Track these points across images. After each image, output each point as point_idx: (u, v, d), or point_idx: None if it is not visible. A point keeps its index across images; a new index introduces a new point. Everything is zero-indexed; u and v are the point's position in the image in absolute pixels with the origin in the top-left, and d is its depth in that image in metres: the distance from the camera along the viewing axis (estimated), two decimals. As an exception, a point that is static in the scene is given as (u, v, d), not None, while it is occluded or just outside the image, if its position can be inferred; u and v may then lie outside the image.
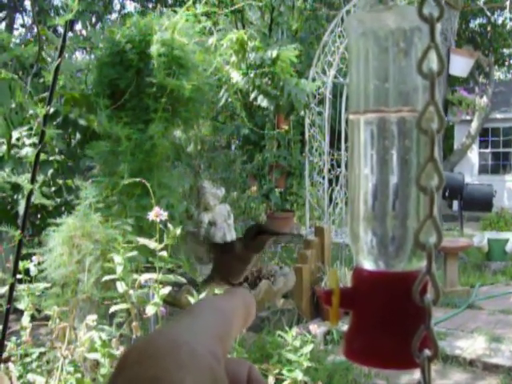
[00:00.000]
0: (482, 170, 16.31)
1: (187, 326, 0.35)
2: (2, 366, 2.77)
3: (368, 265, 0.45)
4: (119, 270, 2.75)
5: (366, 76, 0.44)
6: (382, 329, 0.43)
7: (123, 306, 2.79)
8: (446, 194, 11.00)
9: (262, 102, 5.21)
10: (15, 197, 4.25)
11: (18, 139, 4.33)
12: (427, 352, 0.40)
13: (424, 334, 0.40)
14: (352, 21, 0.45)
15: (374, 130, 0.44)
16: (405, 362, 0.42)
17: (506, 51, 20.66)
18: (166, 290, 2.72)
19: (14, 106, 4.16)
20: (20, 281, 2.93)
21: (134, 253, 2.90)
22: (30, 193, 2.08)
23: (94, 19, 14.32)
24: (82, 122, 4.44)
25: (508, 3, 11.72)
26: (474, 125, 14.65)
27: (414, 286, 0.40)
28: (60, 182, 4.51)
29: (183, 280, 2.94)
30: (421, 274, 0.40)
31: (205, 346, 0.33)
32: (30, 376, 2.82)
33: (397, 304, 0.43)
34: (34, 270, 3.14)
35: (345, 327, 0.46)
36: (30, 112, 4.32)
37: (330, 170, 6.39)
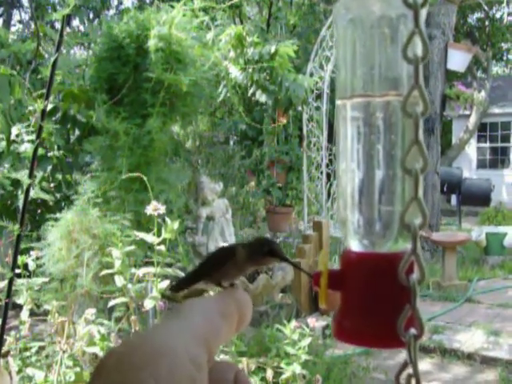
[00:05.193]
0: (481, 164, 16.33)
1: (172, 330, 0.34)
2: (2, 360, 2.77)
3: (356, 246, 0.46)
4: (117, 264, 2.76)
5: (353, 62, 0.45)
6: (370, 309, 0.44)
7: (122, 300, 2.80)
8: (445, 188, 11.02)
9: (261, 97, 5.21)
10: (15, 192, 4.26)
11: (17, 135, 4.33)
12: (413, 331, 0.41)
13: (410, 314, 0.41)
14: (339, 8, 0.46)
15: (360, 113, 0.45)
16: (392, 341, 0.43)
17: (504, 46, 20.64)
18: (165, 284, 2.73)
19: (12, 102, 4.16)
20: (19, 275, 2.94)
21: (132, 247, 2.91)
22: (29, 187, 2.08)
23: (91, 15, 14.30)
24: (80, 117, 4.45)
25: (506, -2, 11.72)
26: (472, 119, 14.64)
27: (400, 266, 0.41)
28: (59, 177, 4.51)
29: (182, 274, 2.95)
30: (406, 254, 0.41)
31: (187, 352, 0.32)
32: (30, 370, 2.83)
33: (384, 284, 0.44)
34: (32, 265, 3.14)
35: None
36: (29, 108, 4.32)
37: (327, 165, 6.39)
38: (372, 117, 0.44)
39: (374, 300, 0.44)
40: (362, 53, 0.45)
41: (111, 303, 2.85)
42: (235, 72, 5.04)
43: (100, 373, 0.31)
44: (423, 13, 0.40)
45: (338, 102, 0.46)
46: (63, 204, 4.17)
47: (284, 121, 7.02)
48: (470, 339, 4.83)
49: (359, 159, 0.45)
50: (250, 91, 5.21)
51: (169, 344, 0.32)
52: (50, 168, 4.42)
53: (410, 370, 0.41)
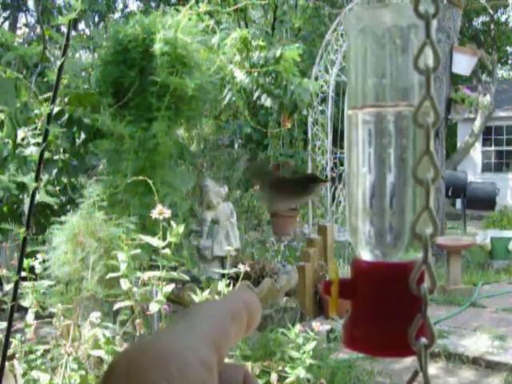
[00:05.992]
0: (485, 168, 16.28)
1: (181, 332, 0.34)
2: (7, 363, 2.77)
3: (366, 256, 0.46)
4: (123, 267, 2.76)
5: (364, 72, 0.46)
6: (381, 318, 0.44)
7: (127, 303, 2.81)
8: (450, 192, 10.99)
9: (266, 101, 5.22)
10: (20, 196, 4.27)
11: (23, 139, 4.34)
12: (424, 340, 0.41)
13: (421, 323, 0.41)
14: (350, 18, 0.46)
15: (371, 124, 0.45)
16: (403, 350, 0.43)
17: (509, 49, 20.62)
18: (170, 287, 2.74)
19: (18, 105, 4.17)
20: (24, 278, 2.95)
21: (138, 250, 2.91)
22: (35, 191, 2.09)
23: (96, 18, 14.34)
24: (86, 120, 4.46)
25: (511, 1, 11.71)
26: (477, 123, 14.62)
27: (411, 275, 0.41)
28: (65, 180, 4.52)
29: (186, 277, 2.95)
30: (417, 264, 0.41)
31: (197, 354, 0.32)
32: (35, 373, 2.84)
33: (395, 294, 0.44)
34: (38, 268, 3.15)
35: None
36: (35, 111, 4.34)
37: (332, 169, 6.39)
38: (383, 127, 0.44)
39: (385, 309, 0.44)
40: (372, 63, 0.45)
41: (116, 306, 2.85)
42: (240, 76, 5.04)
43: (109, 377, 0.31)
44: (434, 23, 0.40)
45: (349, 112, 0.46)
46: (68, 207, 4.18)
47: (289, 124, 7.03)
48: (475, 344, 4.82)
49: (370, 168, 0.45)
50: (255, 95, 5.21)
51: (178, 346, 0.32)
52: (55, 171, 4.43)
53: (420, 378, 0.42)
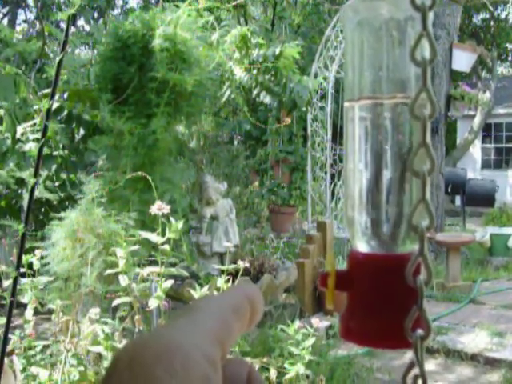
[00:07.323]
0: (485, 165, 16.29)
1: (184, 327, 0.33)
2: (6, 359, 2.77)
3: (363, 247, 0.46)
4: (122, 263, 2.77)
5: (360, 65, 0.46)
6: (377, 309, 0.45)
7: (126, 299, 2.81)
8: (449, 189, 11.00)
9: (265, 98, 5.22)
10: (19, 191, 4.27)
11: (22, 134, 4.34)
12: (420, 332, 0.41)
13: (417, 315, 0.41)
14: (347, 11, 0.46)
15: (367, 116, 0.45)
16: (399, 342, 0.43)
17: (509, 46, 20.59)
18: (169, 283, 2.74)
19: (18, 101, 4.17)
20: (23, 274, 2.95)
21: (137, 247, 2.91)
22: (34, 186, 2.09)
23: (96, 14, 14.31)
24: (85, 116, 4.46)
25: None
26: (477, 120, 14.62)
27: (407, 267, 0.41)
28: (64, 176, 4.52)
29: (185, 274, 2.95)
30: (414, 255, 0.41)
31: (200, 350, 0.32)
32: (34, 369, 2.84)
33: (391, 285, 0.44)
34: (37, 264, 3.15)
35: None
36: (35, 107, 4.33)
37: (332, 165, 6.39)
38: (380, 119, 0.44)
39: (382, 301, 0.44)
40: (369, 55, 0.45)
41: (115, 302, 2.86)
42: (240, 73, 5.04)
43: (112, 372, 0.31)
44: (431, 15, 0.40)
45: (346, 104, 0.46)
46: (67, 203, 4.18)
47: (288, 121, 7.03)
48: (474, 340, 4.82)
49: (367, 160, 0.45)
50: (255, 92, 5.21)
51: (181, 341, 0.32)
52: (54, 167, 4.43)
53: (416, 371, 0.42)
